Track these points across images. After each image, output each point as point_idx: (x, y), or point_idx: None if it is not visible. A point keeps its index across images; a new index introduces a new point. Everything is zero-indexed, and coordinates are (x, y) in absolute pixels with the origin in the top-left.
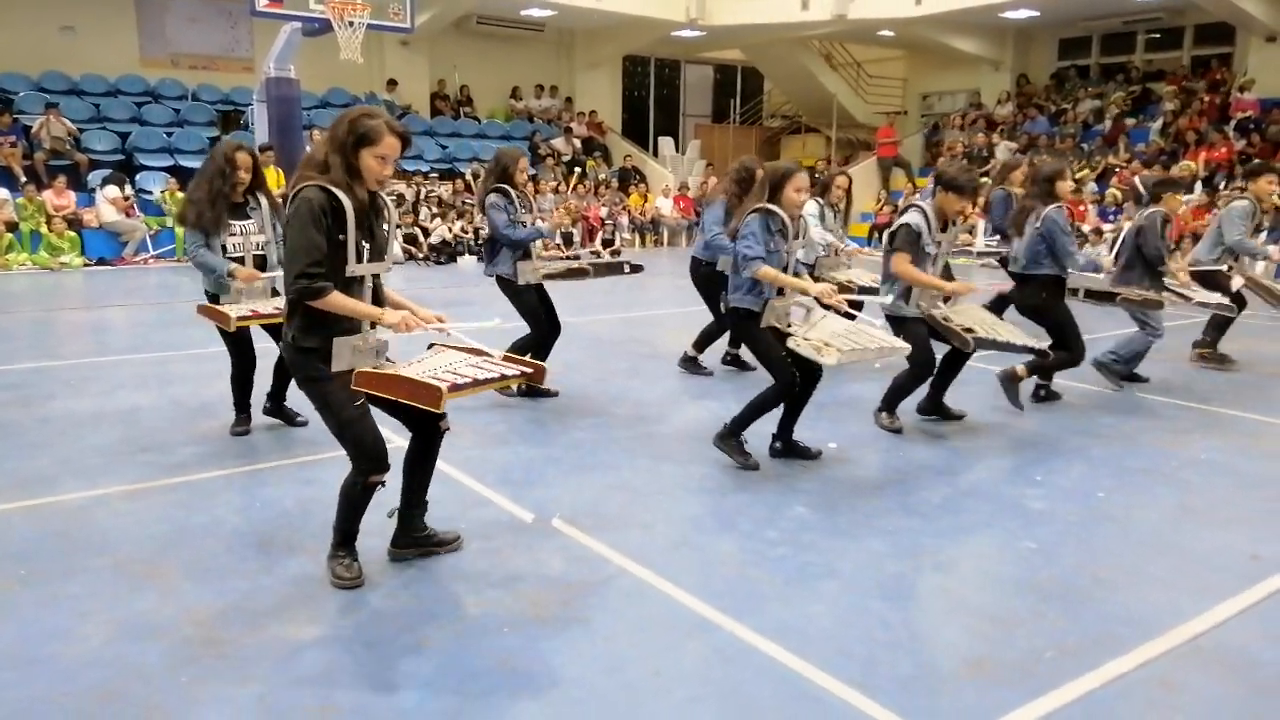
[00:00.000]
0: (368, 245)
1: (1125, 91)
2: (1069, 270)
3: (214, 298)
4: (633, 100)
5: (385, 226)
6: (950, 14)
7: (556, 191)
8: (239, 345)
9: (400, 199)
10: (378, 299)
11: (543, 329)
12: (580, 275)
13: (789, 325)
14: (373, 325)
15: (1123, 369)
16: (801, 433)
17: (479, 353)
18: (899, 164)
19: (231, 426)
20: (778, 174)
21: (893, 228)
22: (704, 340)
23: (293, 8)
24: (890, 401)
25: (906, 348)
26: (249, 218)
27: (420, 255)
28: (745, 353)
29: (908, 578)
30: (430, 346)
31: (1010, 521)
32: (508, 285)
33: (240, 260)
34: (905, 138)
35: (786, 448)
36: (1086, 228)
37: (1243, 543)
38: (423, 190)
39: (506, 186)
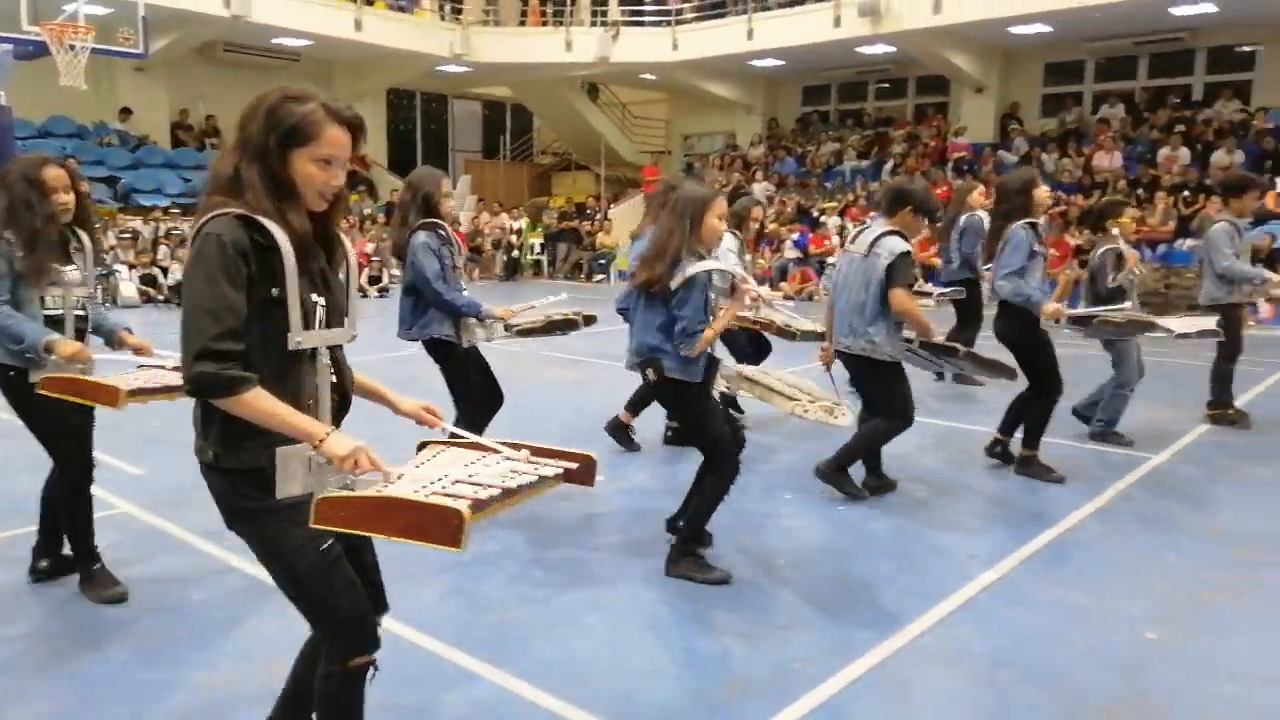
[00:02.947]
0: (320, 301)
1: (860, 135)
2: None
3: (8, 371)
4: (399, 134)
5: (344, 273)
6: (704, 60)
7: None
8: (80, 446)
9: (135, 235)
10: (340, 386)
11: (474, 406)
12: (571, 327)
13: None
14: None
15: (1109, 429)
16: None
17: (488, 449)
18: None
19: (102, 590)
20: (697, 202)
21: (885, 259)
22: (640, 403)
23: (2, 29)
24: (855, 459)
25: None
26: (71, 262)
27: (160, 297)
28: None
29: (668, 607)
30: (423, 446)
31: (763, 539)
32: (446, 349)
33: (59, 323)
34: (669, 176)
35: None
36: (831, 259)
37: (961, 545)
38: (162, 227)
39: (439, 222)
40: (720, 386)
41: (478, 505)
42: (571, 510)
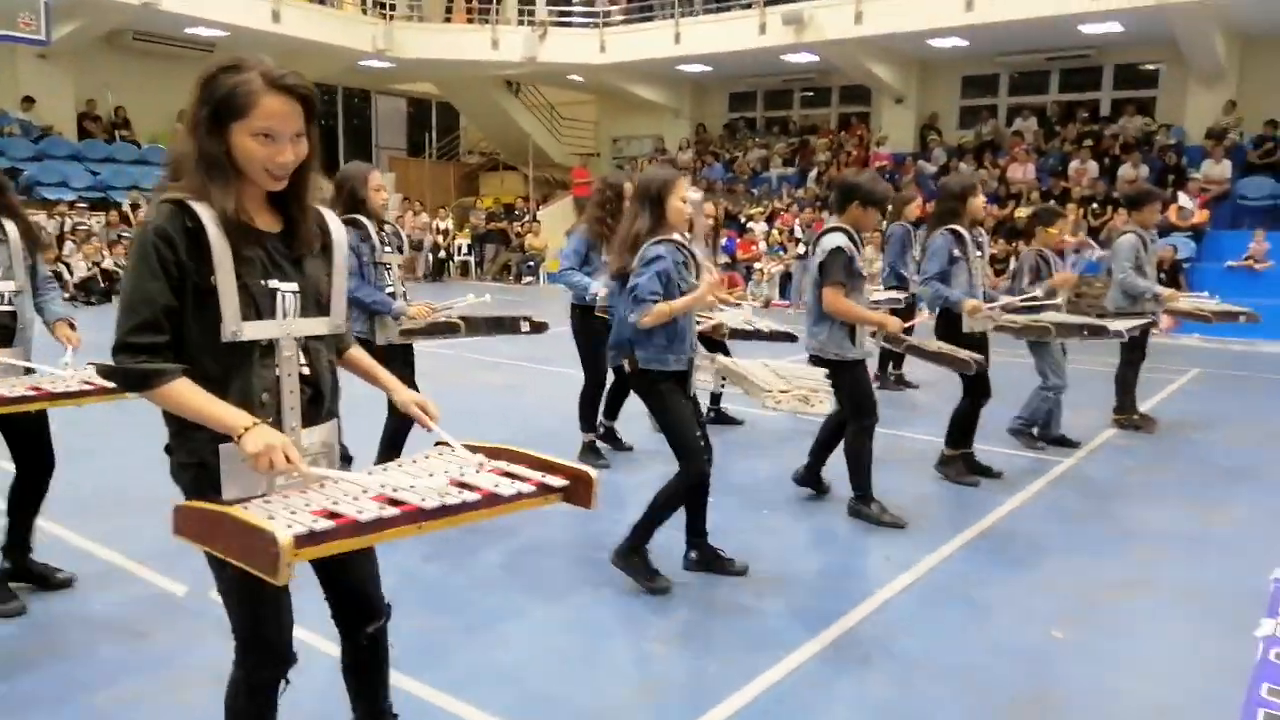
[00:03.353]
0: (291, 288)
1: (786, 142)
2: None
3: None
4: (320, 130)
5: (325, 254)
6: (631, 63)
7: None
8: (33, 447)
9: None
10: (315, 380)
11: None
12: (453, 331)
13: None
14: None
15: (1026, 428)
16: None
17: (503, 455)
18: None
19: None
20: (657, 184)
21: (818, 257)
22: (611, 405)
23: None
24: (864, 479)
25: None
26: None
27: (66, 295)
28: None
29: (589, 613)
30: (437, 443)
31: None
32: (365, 347)
33: None
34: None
35: (704, 558)
36: (759, 265)
37: (880, 547)
38: (68, 221)
39: (361, 218)
40: (709, 385)
41: (310, 538)
42: (498, 526)
